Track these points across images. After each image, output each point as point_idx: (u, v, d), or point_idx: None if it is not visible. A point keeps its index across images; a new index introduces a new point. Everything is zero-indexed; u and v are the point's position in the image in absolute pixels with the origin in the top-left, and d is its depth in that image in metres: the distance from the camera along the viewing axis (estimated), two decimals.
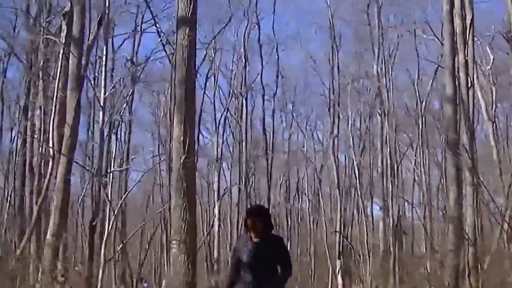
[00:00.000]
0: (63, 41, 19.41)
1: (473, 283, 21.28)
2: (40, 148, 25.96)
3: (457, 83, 24.00)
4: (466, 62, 24.55)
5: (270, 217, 8.20)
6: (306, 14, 62.23)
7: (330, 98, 39.77)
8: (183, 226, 14.55)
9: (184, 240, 14.51)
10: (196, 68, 16.34)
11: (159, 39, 35.70)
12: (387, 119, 37.25)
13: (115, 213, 16.22)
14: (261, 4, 44.57)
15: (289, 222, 49.28)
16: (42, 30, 26.79)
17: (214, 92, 45.19)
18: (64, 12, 25.58)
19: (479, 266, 21.53)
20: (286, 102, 50.04)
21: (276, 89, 46.96)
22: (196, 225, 16.37)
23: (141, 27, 34.25)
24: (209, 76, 42.90)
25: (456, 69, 23.86)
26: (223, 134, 47.99)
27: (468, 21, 26.40)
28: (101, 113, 20.10)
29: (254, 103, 47.91)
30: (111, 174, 19.85)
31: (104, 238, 16.98)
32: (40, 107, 26.13)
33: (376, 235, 36.23)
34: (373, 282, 28.69)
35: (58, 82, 19.77)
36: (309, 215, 49.46)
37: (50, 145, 18.91)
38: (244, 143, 44.73)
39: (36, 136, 27.08)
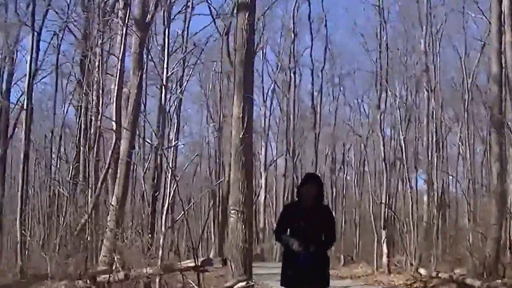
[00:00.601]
0: (125, 20, 20.59)
1: None
2: (97, 122, 27.37)
3: (503, 62, 24.83)
4: None
5: (323, 186, 8.56)
6: None
7: (377, 73, 40.46)
8: (241, 198, 15.83)
9: (242, 210, 15.81)
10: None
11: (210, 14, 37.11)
12: (433, 94, 37.82)
13: (176, 183, 17.50)
14: None
15: (334, 193, 50.55)
16: (98, 7, 28.11)
17: (263, 65, 46.30)
18: None
19: None
20: (334, 76, 51.08)
21: (324, 64, 47.95)
22: (252, 196, 17.68)
23: (192, 2, 34.87)
24: (257, 50, 43.85)
25: (503, 49, 24.61)
26: (270, 106, 49.27)
27: None
28: (163, 90, 21.39)
29: (301, 77, 49.02)
30: (171, 148, 21.12)
31: (165, 207, 18.33)
32: (97, 81, 27.50)
33: (420, 207, 37.01)
34: (417, 252, 29.56)
35: (121, 61, 21.02)
36: (354, 186, 50.50)
37: (114, 119, 20.23)
38: (292, 116, 45.86)
39: (93, 110, 28.51)
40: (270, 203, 51.75)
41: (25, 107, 25.59)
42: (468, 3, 37.50)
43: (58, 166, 32.99)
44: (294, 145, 46.22)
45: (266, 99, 49.14)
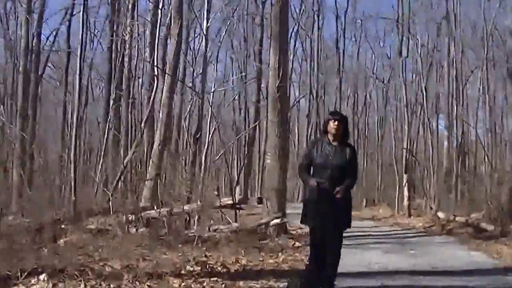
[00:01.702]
0: None
1: None
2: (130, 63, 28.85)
3: None
4: None
5: (348, 124, 8.78)
6: None
7: (399, 18, 41.48)
8: (277, 142, 17.49)
9: (278, 153, 17.50)
10: None
11: None
12: (453, 40, 38.69)
13: (217, 126, 19.11)
14: None
15: (356, 135, 51.38)
16: None
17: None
18: None
19: None
20: (356, 19, 52.01)
21: (347, 8, 49.07)
22: (287, 140, 19.25)
23: None
24: None
25: None
26: (293, 48, 50.29)
27: None
28: (204, 41, 22.85)
29: (324, 19, 49.99)
30: (212, 93, 22.56)
31: (205, 147, 19.97)
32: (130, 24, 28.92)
33: (440, 152, 38.25)
34: (436, 196, 30.77)
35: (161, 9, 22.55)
36: (377, 129, 51.54)
37: (155, 65, 21.74)
38: (316, 57, 47.04)
39: (126, 51, 29.94)
40: (293, 144, 52.96)
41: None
42: None
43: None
44: (317, 86, 47.42)
45: (290, 40, 50.18)
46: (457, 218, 23.02)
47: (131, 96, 28.78)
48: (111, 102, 29.80)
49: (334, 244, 8.40)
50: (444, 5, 38.96)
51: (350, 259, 12.17)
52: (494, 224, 20.03)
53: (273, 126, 17.55)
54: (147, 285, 9.26)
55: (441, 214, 25.17)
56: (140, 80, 34.51)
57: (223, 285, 9.59)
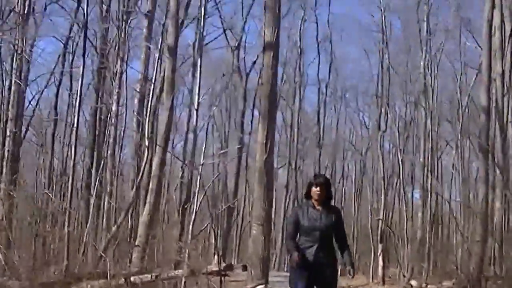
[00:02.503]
0: (160, 47, 23.75)
1: (497, 271, 25.22)
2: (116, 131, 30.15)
3: (494, 90, 27.95)
4: (503, 72, 28.56)
5: (331, 186, 8.80)
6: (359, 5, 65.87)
7: (378, 89, 43.32)
8: (262, 213, 18.88)
9: (263, 224, 18.88)
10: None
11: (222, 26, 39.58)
12: (430, 112, 40.50)
13: (205, 196, 20.49)
14: None
15: (334, 204, 52.39)
16: (118, 24, 30.86)
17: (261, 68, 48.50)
18: (146, 12, 29.90)
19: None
20: (336, 90, 53.89)
21: (329, 80, 50.96)
22: (271, 212, 20.76)
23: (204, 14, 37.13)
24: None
25: (494, 78, 27.68)
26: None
27: (507, 33, 30.33)
28: (195, 114, 24.42)
29: (305, 88, 51.73)
30: (201, 165, 23.95)
31: (192, 218, 21.40)
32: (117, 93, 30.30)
33: (415, 222, 39.83)
34: (409, 265, 32.33)
35: (155, 83, 24.22)
36: (354, 199, 53.16)
37: (147, 136, 23.17)
38: (296, 128, 48.62)
39: (112, 119, 31.08)
40: (272, 213, 54.05)
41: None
42: (464, 31, 40.64)
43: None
44: (296, 156, 48.94)
45: None
46: (429, 286, 24.50)
47: (116, 165, 30.04)
48: (93, 170, 30.99)
49: None
50: (422, 81, 40.96)
51: None
52: None
53: (259, 198, 18.95)
54: None
55: (414, 282, 26.81)
56: (125, 148, 35.72)
57: None
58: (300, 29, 47.83)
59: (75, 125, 23.79)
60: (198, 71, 24.60)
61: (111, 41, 33.02)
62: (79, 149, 42.45)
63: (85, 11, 24.44)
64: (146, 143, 22.69)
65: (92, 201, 27.58)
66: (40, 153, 44.35)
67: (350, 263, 8.51)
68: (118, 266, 19.75)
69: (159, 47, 24.20)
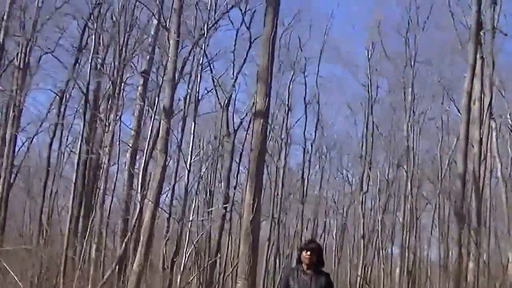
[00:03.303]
0: (155, 109, 25.64)
1: None
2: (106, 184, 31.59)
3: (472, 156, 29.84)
4: (481, 139, 30.40)
5: (323, 253, 9.16)
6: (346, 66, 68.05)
7: (362, 149, 45.18)
8: (247, 269, 20.45)
9: (247, 278, 20.41)
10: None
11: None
12: (411, 174, 42.41)
13: (194, 249, 22.15)
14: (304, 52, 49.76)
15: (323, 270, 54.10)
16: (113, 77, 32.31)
17: (252, 133, 49.81)
18: (142, 71, 31.72)
19: None
20: (321, 148, 55.74)
21: (314, 138, 52.52)
22: (256, 268, 22.37)
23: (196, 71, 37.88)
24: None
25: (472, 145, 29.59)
26: None
27: (486, 103, 32.29)
28: (186, 173, 26.18)
29: (290, 146, 53.29)
30: (190, 221, 25.63)
31: (181, 269, 23.07)
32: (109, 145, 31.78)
33: (393, 277, 41.59)
34: None
35: (150, 142, 26.03)
36: (335, 253, 54.70)
37: (139, 191, 24.88)
38: (280, 183, 50.07)
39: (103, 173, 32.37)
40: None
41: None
42: (446, 99, 42.87)
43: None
44: (280, 211, 50.41)
45: None
46: None
47: (105, 215, 31.55)
48: (81, 218, 32.19)
49: None
50: (405, 142, 42.89)
51: None
52: None
53: (244, 255, 20.47)
54: None
55: None
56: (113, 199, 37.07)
57: None
58: (289, 88, 49.49)
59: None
60: (192, 135, 26.32)
61: (104, 94, 34.45)
62: (67, 196, 43.91)
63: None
64: (139, 198, 24.39)
65: (79, 249, 28.66)
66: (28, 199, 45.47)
67: None
68: None
69: (154, 108, 25.99)
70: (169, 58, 24.80)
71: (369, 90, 44.87)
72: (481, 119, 31.01)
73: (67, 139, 44.19)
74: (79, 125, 37.82)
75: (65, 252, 25.74)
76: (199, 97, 32.30)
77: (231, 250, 49.30)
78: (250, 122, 44.56)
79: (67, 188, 44.05)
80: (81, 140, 30.42)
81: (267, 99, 21.53)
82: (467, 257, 28.43)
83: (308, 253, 8.84)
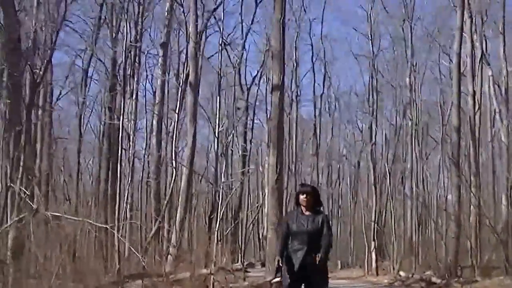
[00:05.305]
0: (186, 84, 29.70)
1: (475, 262, 30.51)
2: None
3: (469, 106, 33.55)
4: (474, 92, 33.96)
5: (319, 195, 9.69)
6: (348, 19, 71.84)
7: (370, 99, 48.80)
8: (275, 220, 23.99)
9: (276, 228, 23.91)
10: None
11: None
12: (417, 119, 45.97)
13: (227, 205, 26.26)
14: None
15: (331, 205, 59.02)
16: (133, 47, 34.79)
17: (266, 86, 51.05)
18: (161, 43, 35.30)
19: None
20: (330, 98, 59.89)
21: (323, 91, 57.02)
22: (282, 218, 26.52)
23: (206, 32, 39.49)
24: (262, 73, 51.36)
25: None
26: None
27: (478, 57, 35.85)
28: (216, 141, 30.46)
29: (301, 94, 57.15)
30: (222, 184, 29.61)
31: (217, 223, 27.40)
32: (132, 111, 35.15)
33: (406, 219, 45.84)
34: (399, 259, 38.56)
35: (178, 114, 30.28)
36: (350, 200, 59.50)
37: (173, 158, 29.14)
38: (294, 134, 53.94)
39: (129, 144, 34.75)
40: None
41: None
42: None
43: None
44: (295, 160, 54.58)
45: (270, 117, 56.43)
46: (414, 276, 30.71)
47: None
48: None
49: None
50: (408, 96, 46.57)
51: None
52: (441, 278, 27.54)
53: (272, 209, 24.42)
54: None
55: (402, 273, 33.22)
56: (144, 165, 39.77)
57: None
58: (295, 42, 53.21)
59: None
60: (218, 104, 30.41)
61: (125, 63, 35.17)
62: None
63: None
64: (174, 164, 28.68)
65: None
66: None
67: (322, 252, 9.25)
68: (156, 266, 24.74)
69: (181, 80, 29.98)
70: (190, 39, 28.90)
71: (371, 43, 48.13)
72: (473, 73, 34.56)
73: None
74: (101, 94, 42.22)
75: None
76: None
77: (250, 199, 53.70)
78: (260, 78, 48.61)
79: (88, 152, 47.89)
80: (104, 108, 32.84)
81: (282, 76, 24.94)
82: (469, 202, 32.46)
83: (304, 195, 9.50)
